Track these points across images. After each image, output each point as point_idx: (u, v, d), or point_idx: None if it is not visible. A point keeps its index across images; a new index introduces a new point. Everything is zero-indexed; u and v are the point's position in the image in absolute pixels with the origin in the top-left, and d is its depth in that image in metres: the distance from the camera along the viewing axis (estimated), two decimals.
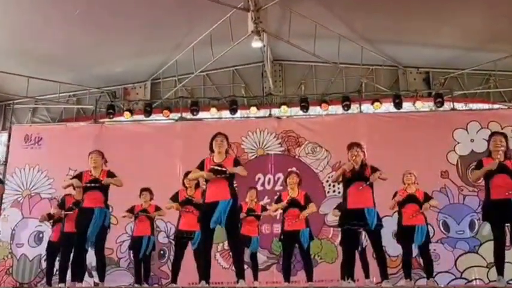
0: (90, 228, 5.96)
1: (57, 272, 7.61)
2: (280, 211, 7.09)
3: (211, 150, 5.58)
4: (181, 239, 7.15)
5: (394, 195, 7.07)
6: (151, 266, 8.30)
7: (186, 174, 7.12)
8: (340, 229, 6.23)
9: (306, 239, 6.73)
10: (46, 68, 10.30)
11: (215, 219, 5.23)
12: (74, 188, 7.05)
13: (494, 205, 5.35)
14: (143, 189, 7.98)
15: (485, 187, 5.51)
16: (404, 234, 6.91)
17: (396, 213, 7.14)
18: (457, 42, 10.00)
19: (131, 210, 7.95)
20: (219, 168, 5.37)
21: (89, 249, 6.38)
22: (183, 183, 7.27)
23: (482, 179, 5.57)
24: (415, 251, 7.12)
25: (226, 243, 7.91)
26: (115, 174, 6.31)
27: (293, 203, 6.82)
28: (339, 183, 7.10)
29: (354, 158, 5.82)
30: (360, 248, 7.36)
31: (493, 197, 5.38)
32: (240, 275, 5.26)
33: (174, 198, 7.27)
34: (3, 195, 9.42)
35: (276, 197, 7.49)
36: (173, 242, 8.86)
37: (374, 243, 5.84)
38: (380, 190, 6.24)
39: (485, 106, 10.95)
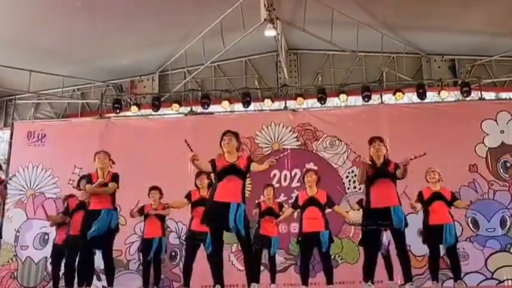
0: (93, 228, 5.93)
1: (63, 276, 7.69)
2: (298, 211, 7.06)
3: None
4: (193, 240, 7.20)
5: (418, 196, 6.97)
6: (162, 269, 8.29)
7: (198, 174, 7.21)
8: (361, 228, 6.19)
9: (325, 241, 6.68)
10: (48, 61, 10.37)
11: (230, 221, 5.08)
12: (80, 189, 7.19)
13: None
14: (152, 188, 8.00)
15: None
16: (431, 235, 6.82)
17: (422, 211, 7.08)
18: (484, 27, 9.88)
19: (141, 211, 7.97)
20: (234, 167, 5.31)
21: (97, 252, 6.45)
22: (195, 184, 7.30)
23: None
24: (442, 251, 7.04)
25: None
26: (119, 176, 6.27)
27: (312, 202, 6.80)
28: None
29: (376, 153, 5.81)
30: (384, 250, 7.35)
31: None
32: (253, 279, 5.19)
33: (188, 197, 7.31)
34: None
35: (294, 197, 7.45)
36: (184, 243, 8.92)
37: (399, 243, 5.78)
38: (403, 187, 6.18)
39: None
